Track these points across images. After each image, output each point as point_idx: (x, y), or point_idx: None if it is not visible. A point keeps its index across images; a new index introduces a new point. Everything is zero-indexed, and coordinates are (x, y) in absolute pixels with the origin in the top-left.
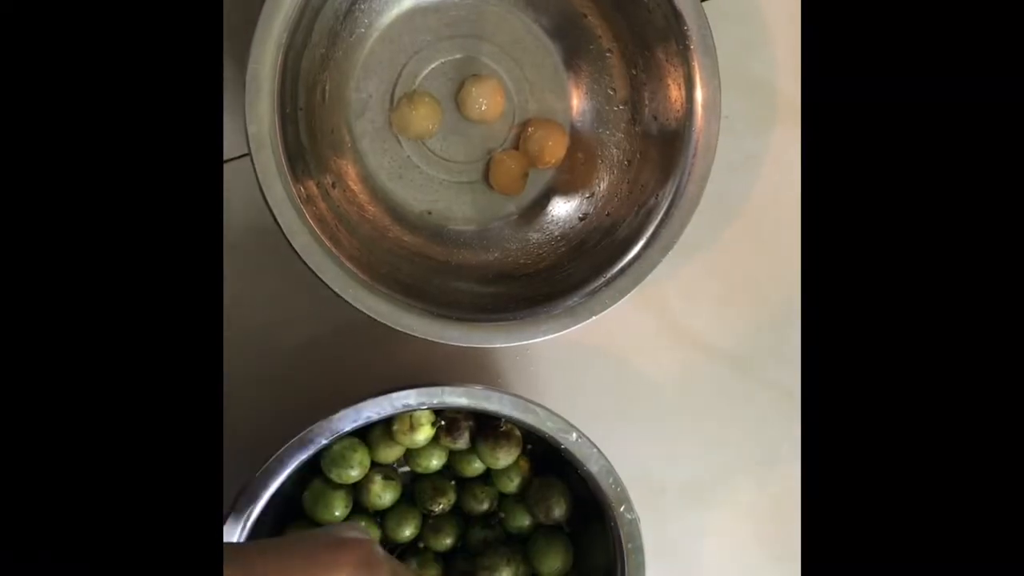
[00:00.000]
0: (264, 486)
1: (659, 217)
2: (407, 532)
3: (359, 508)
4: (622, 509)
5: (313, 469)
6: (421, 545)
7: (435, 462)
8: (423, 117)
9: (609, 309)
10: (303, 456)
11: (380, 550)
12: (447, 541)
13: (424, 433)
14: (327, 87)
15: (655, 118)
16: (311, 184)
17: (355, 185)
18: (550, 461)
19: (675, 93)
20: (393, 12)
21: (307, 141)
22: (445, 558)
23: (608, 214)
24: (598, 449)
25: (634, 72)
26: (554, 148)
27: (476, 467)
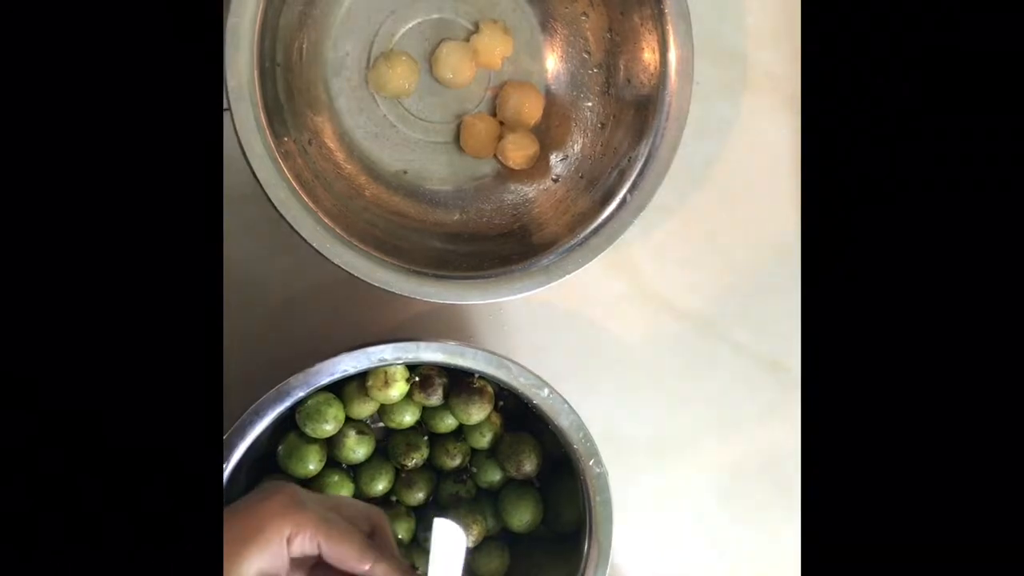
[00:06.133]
0: (241, 437)
1: (632, 179)
2: (380, 486)
3: (333, 462)
4: (591, 463)
5: (288, 424)
6: (394, 499)
7: (408, 418)
8: (400, 76)
9: (582, 268)
10: (279, 408)
11: (304, 491)
12: (419, 495)
13: (398, 389)
14: (304, 45)
15: (629, 82)
16: (288, 140)
17: (331, 143)
18: (521, 417)
19: (649, 57)
20: None
21: (284, 98)
22: (417, 512)
23: (582, 176)
24: (569, 404)
25: (609, 36)
26: (530, 110)
27: (449, 423)
